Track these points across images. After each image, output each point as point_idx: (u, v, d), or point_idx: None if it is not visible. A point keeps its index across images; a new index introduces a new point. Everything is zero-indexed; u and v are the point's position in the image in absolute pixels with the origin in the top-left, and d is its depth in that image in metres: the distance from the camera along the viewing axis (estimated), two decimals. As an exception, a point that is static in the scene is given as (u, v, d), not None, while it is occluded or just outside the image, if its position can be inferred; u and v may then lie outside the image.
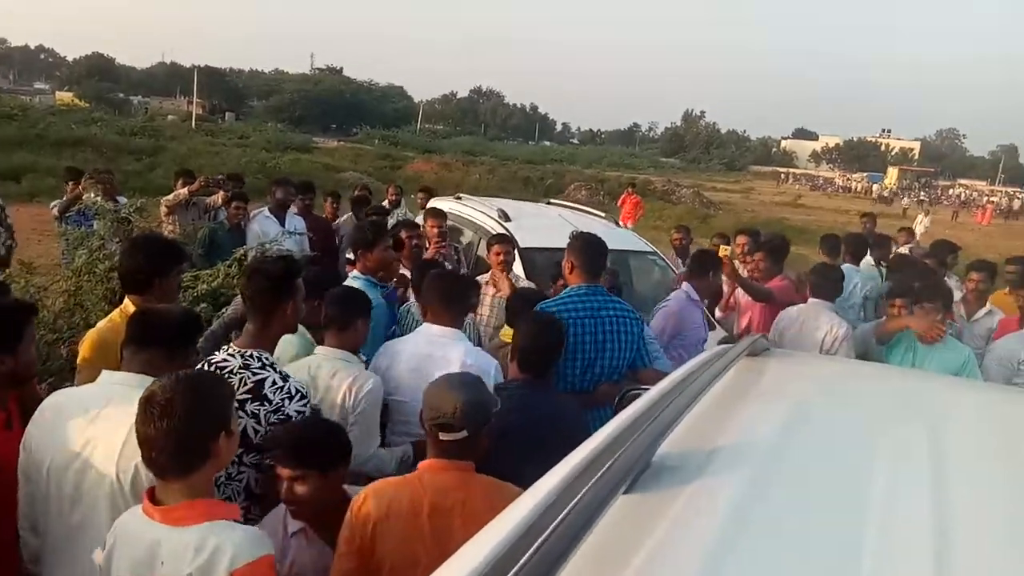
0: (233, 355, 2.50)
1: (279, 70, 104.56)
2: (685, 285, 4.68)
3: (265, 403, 2.41)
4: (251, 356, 2.50)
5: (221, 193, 6.58)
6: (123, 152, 23.89)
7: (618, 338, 3.47)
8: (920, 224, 20.08)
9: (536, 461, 1.37)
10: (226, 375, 2.41)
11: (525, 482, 1.30)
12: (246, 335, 2.60)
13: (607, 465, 1.07)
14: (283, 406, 2.42)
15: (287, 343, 2.98)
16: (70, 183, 7.11)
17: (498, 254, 4.93)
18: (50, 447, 2.10)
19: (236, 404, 2.23)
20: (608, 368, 3.47)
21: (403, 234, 4.99)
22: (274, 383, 2.45)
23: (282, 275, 2.60)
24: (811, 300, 4.64)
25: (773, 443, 1.36)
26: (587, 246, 3.62)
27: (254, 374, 2.45)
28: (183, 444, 1.73)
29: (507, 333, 3.21)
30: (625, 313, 3.53)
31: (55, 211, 6.60)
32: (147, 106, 68.33)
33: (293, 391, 2.47)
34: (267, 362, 2.51)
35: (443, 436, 2.07)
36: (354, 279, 3.87)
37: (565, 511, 0.93)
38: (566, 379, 3.39)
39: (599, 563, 0.96)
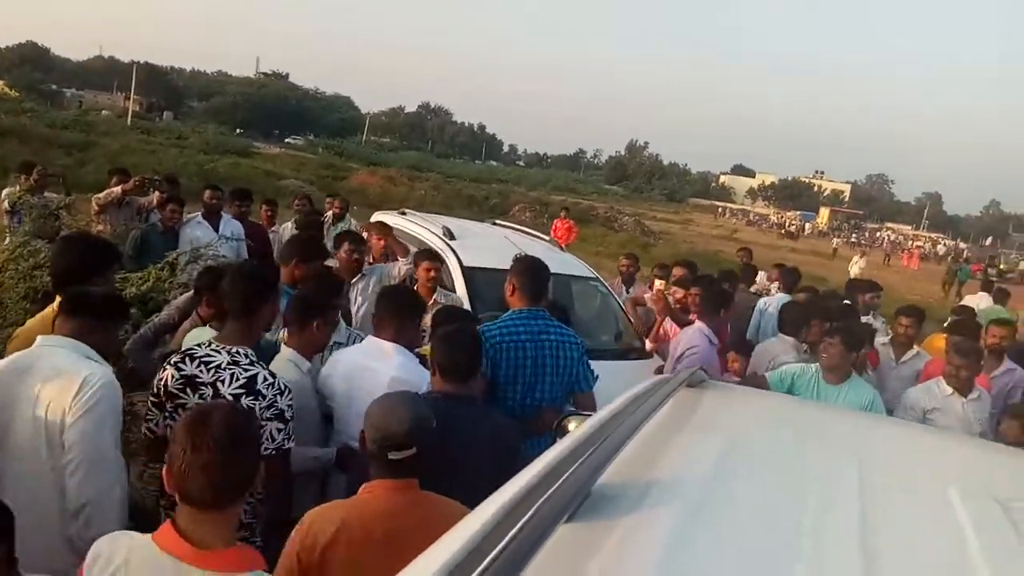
0: (218, 350, 2.60)
1: (222, 72, 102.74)
2: (701, 326, 4.66)
3: (260, 398, 2.51)
4: (238, 352, 2.59)
5: (157, 194, 6.37)
6: (52, 145, 23.01)
7: (558, 363, 3.48)
8: (855, 265, 20.77)
9: (471, 479, 1.36)
10: (213, 369, 2.54)
11: (458, 498, 1.29)
12: (230, 332, 2.70)
13: (548, 493, 1.07)
14: (276, 401, 2.53)
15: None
16: (22, 176, 6.79)
17: (427, 270, 4.91)
18: None
19: (230, 398, 2.48)
20: (549, 393, 3.46)
21: (346, 247, 4.95)
22: (265, 379, 2.56)
23: (267, 279, 2.84)
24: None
25: (709, 474, 1.39)
26: (529, 269, 3.63)
27: (245, 370, 2.56)
28: (235, 477, 1.67)
29: (425, 349, 3.20)
30: (566, 337, 3.54)
31: (6, 204, 6.27)
32: (81, 99, 66.09)
33: (282, 387, 2.59)
34: (253, 359, 2.61)
35: (392, 456, 2.03)
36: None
37: (507, 538, 0.92)
38: (506, 403, 3.37)
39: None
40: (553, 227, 14.40)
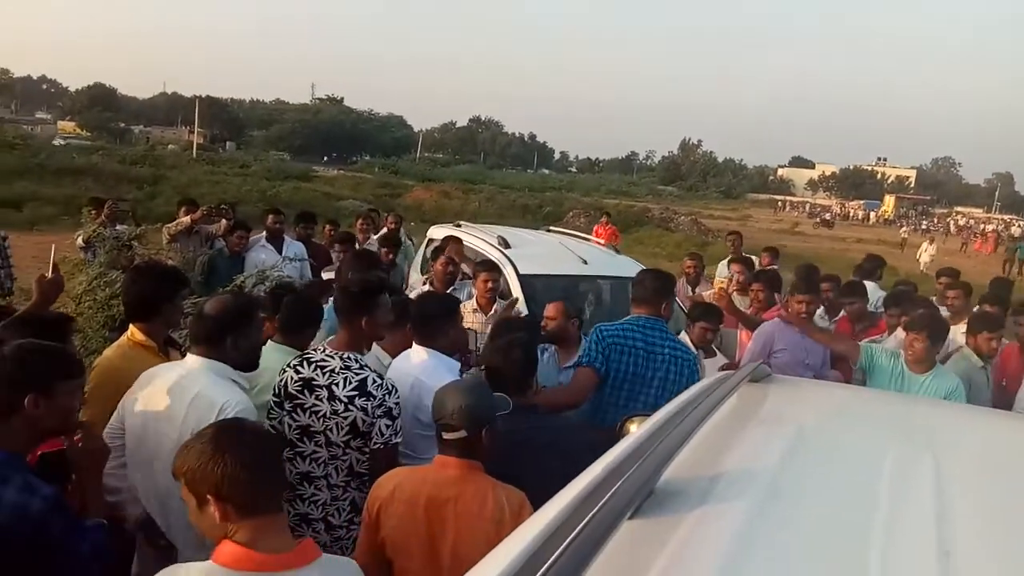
0: (332, 356, 2.86)
1: (280, 100, 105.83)
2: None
3: (371, 398, 2.76)
4: (348, 357, 2.86)
5: (223, 221, 6.61)
6: (124, 181, 24.02)
7: (668, 376, 3.44)
8: (925, 253, 19.88)
9: (540, 485, 1.37)
10: (328, 372, 2.81)
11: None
12: (341, 340, 2.95)
13: (611, 491, 1.07)
14: (385, 400, 2.79)
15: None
16: (93, 212, 7.12)
17: (486, 281, 4.93)
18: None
19: (345, 399, 2.75)
20: (652, 404, 3.31)
21: (442, 260, 5.21)
22: (375, 381, 2.81)
23: (364, 291, 3.02)
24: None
25: (775, 469, 1.36)
26: (645, 278, 3.71)
27: (356, 373, 2.81)
28: (278, 477, 1.76)
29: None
30: (679, 352, 3.49)
31: (80, 241, 6.60)
32: (148, 135, 69.01)
33: (390, 387, 2.84)
34: (363, 363, 2.87)
35: (445, 435, 2.24)
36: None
37: (570, 537, 0.93)
38: (608, 408, 3.37)
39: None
40: (594, 233, 13.84)
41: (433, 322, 3.33)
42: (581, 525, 0.96)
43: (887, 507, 1.21)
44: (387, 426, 2.78)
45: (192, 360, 2.58)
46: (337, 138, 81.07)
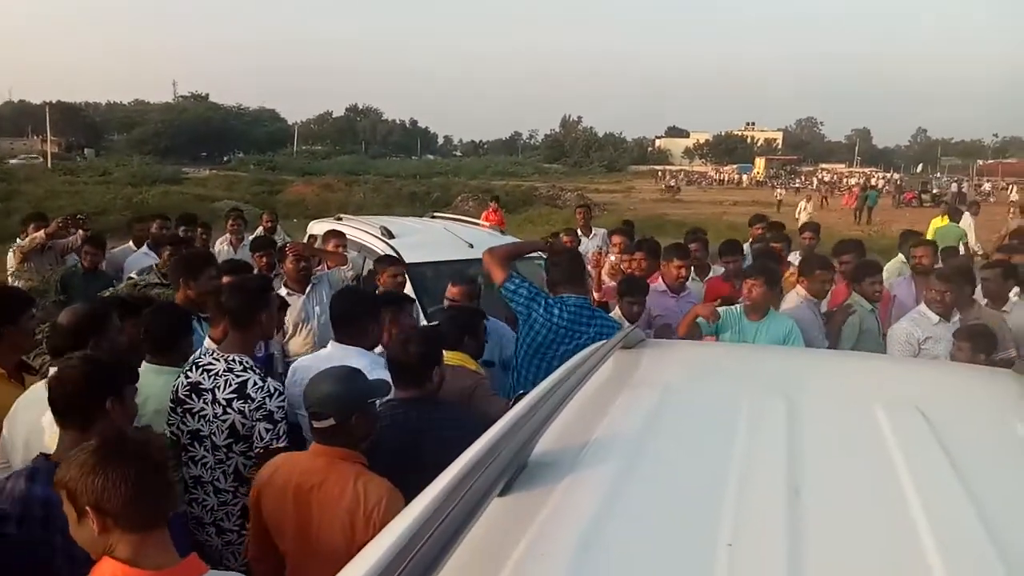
0: (217, 359, 2.87)
1: (140, 100, 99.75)
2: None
3: (249, 401, 2.77)
4: (233, 360, 2.85)
5: (80, 233, 6.17)
6: (-31, 199, 22.00)
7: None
8: (803, 212, 21.10)
9: (408, 475, 1.37)
10: (212, 376, 2.81)
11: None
12: (228, 342, 2.97)
13: (483, 469, 1.08)
14: (265, 403, 2.78)
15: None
16: None
17: (394, 276, 4.83)
18: None
19: (224, 402, 2.74)
20: None
21: (290, 259, 4.93)
22: (255, 383, 2.80)
23: (258, 289, 3.08)
24: None
25: (641, 432, 1.41)
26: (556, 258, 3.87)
27: (237, 376, 2.81)
28: (162, 492, 1.69)
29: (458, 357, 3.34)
30: (601, 334, 3.47)
31: None
32: (-6, 148, 63.43)
33: (271, 390, 2.82)
34: (247, 365, 2.85)
35: (314, 423, 2.29)
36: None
37: (440, 520, 0.93)
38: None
39: (470, 570, 0.97)
40: (483, 218, 13.77)
41: (362, 319, 3.33)
42: (451, 507, 0.97)
43: (741, 455, 1.28)
44: (267, 430, 2.75)
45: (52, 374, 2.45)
46: (206, 136, 77.30)
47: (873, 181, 54.54)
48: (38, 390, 2.49)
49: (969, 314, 4.53)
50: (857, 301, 4.72)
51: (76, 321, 2.56)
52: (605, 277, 6.22)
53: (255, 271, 5.28)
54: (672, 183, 53.22)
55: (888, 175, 69.92)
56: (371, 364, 3.16)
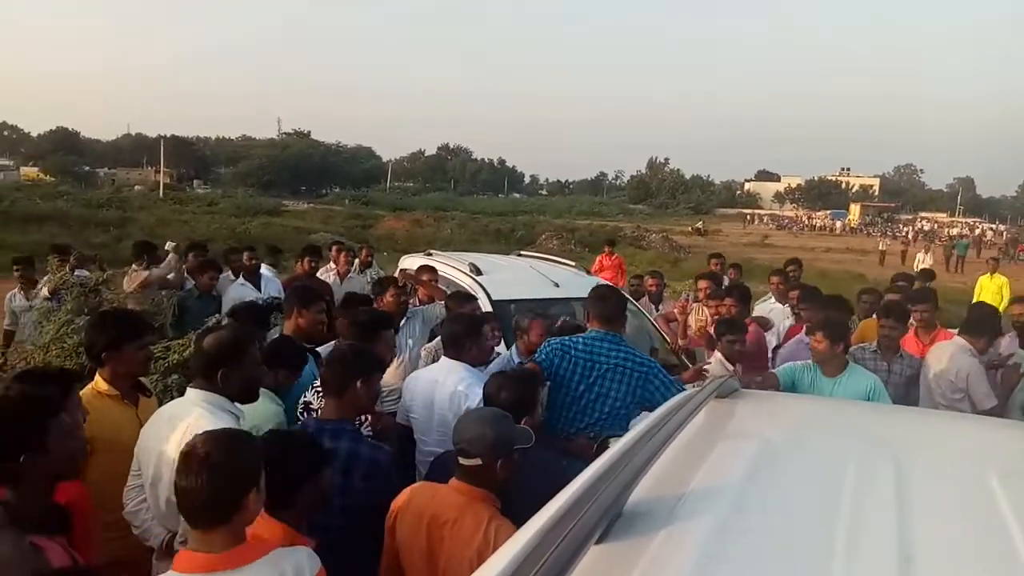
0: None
1: (246, 136, 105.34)
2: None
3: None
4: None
5: (172, 256, 6.50)
6: (90, 225, 23.72)
7: (608, 384, 3.59)
8: (922, 263, 20.07)
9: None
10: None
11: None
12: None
13: (579, 516, 1.08)
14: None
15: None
16: (57, 259, 6.97)
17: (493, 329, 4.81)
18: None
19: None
20: (601, 412, 3.59)
21: (391, 292, 5.12)
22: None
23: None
24: None
25: (742, 485, 1.38)
26: (595, 295, 3.91)
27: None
28: (217, 498, 1.81)
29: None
30: (627, 362, 3.60)
31: (45, 291, 6.47)
32: (114, 177, 68.26)
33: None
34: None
35: (461, 460, 2.34)
36: None
37: (537, 566, 0.93)
38: (557, 412, 3.63)
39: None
40: (597, 265, 10.82)
41: (466, 339, 3.74)
42: (548, 553, 0.96)
43: (849, 515, 1.23)
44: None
45: (189, 393, 2.68)
46: (306, 172, 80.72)
47: (977, 232, 51.69)
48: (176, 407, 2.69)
49: None
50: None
51: (213, 347, 2.67)
52: (691, 323, 6.12)
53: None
54: (699, 226, 48.88)
55: (994, 226, 66.13)
56: (471, 376, 3.62)
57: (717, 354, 4.83)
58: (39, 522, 1.97)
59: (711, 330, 5.53)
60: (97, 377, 2.92)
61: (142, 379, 3.17)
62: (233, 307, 4.70)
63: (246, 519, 1.89)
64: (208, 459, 1.81)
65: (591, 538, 1.05)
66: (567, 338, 3.78)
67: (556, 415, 3.65)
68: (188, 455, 1.84)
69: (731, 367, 4.66)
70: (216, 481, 1.80)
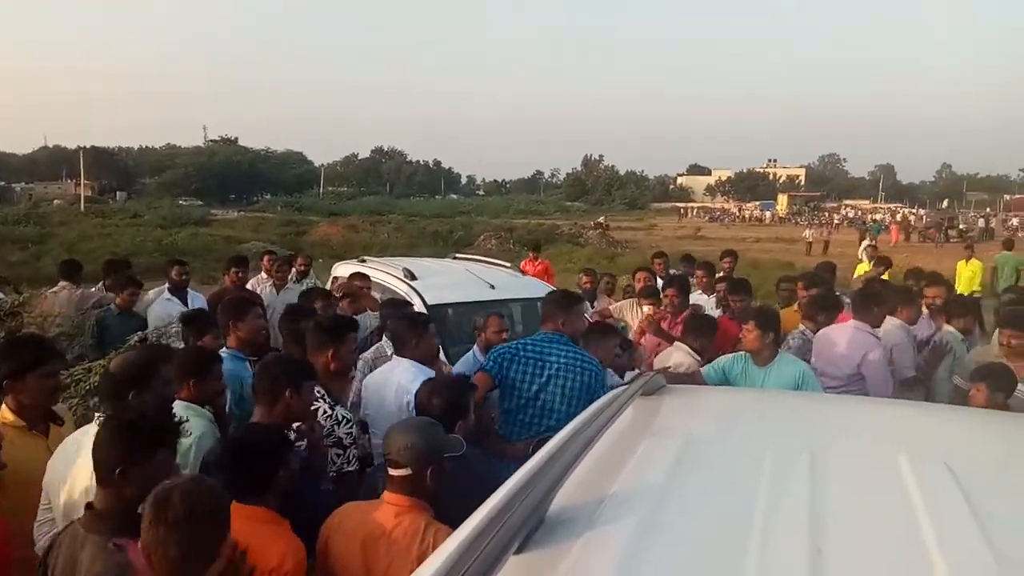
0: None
1: (171, 145, 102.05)
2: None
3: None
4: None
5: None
6: (6, 242, 22.60)
7: (562, 382, 3.63)
8: (864, 251, 20.56)
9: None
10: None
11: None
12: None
13: (499, 526, 1.06)
14: (334, 430, 2.96)
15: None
16: None
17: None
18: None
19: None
20: (553, 409, 3.62)
21: (320, 304, 4.98)
22: (324, 412, 2.97)
23: (333, 328, 3.43)
24: None
25: (663, 484, 1.38)
26: (545, 298, 4.11)
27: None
28: (188, 552, 1.76)
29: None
30: (579, 363, 3.65)
31: None
32: (31, 192, 65.26)
33: (339, 417, 3.00)
34: (317, 395, 3.00)
35: (391, 471, 2.33)
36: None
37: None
38: (512, 414, 3.67)
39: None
40: (522, 267, 10.08)
41: (413, 337, 3.81)
42: (465, 568, 0.95)
43: (764, 509, 1.25)
44: (338, 455, 2.95)
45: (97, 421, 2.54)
46: (235, 179, 78.85)
47: (899, 217, 53.95)
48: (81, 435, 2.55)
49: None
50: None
51: (121, 370, 2.58)
52: (629, 320, 6.19)
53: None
54: (600, 220, 46.70)
55: (915, 211, 69.14)
56: (415, 369, 3.68)
57: (681, 345, 4.83)
58: None
59: (665, 324, 5.59)
60: (3, 407, 2.76)
61: (56, 407, 3.01)
62: (184, 314, 4.57)
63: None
64: (176, 516, 1.75)
65: (510, 548, 1.04)
66: (516, 342, 3.84)
67: (512, 419, 3.67)
68: (156, 513, 1.77)
69: (699, 358, 4.66)
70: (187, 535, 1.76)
